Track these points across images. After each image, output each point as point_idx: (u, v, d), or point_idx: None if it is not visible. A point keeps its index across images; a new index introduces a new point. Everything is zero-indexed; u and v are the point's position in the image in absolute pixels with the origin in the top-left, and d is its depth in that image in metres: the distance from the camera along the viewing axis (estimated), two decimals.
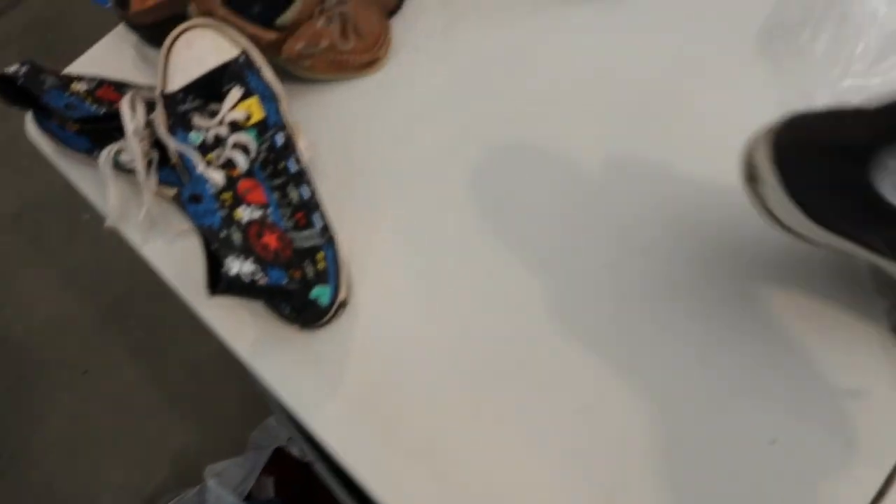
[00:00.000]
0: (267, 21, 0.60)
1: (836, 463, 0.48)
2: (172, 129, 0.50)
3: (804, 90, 0.59)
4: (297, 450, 1.12)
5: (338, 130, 0.64)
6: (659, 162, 0.59)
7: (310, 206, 0.51)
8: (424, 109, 0.65)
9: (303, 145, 0.55)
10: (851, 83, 0.58)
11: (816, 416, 0.49)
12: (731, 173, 0.50)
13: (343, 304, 0.53)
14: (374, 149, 0.63)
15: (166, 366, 1.37)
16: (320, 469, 0.85)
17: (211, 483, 0.97)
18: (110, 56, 0.70)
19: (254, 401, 1.08)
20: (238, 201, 0.45)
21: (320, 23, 0.60)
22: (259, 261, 0.42)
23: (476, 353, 0.53)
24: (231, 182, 0.46)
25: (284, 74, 0.61)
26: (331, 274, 0.50)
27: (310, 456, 0.84)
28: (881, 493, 0.46)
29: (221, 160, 0.48)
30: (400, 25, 0.70)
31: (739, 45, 0.64)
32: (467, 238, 0.58)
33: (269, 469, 1.11)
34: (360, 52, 0.64)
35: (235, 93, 0.52)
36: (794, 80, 0.60)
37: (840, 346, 0.50)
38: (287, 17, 0.60)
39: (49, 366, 1.40)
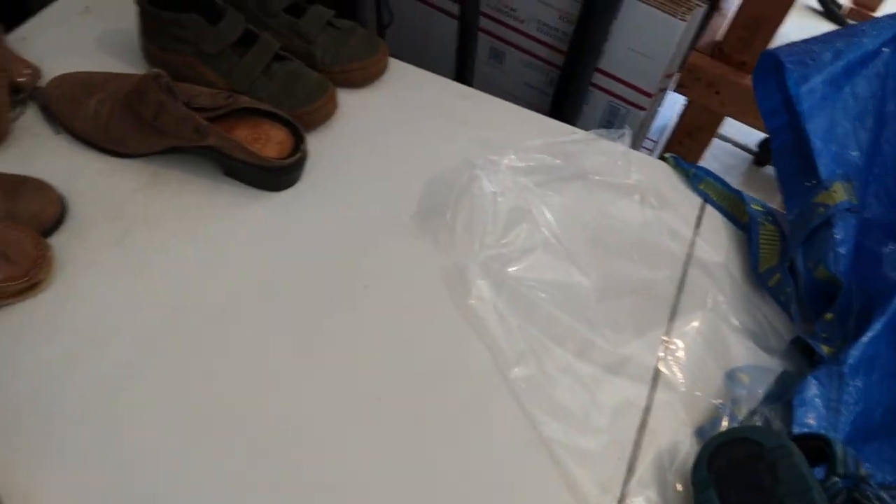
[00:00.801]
0: None
1: None
2: None
3: (457, 261, 0.69)
4: None
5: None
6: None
7: None
8: (97, 331, 0.60)
9: None
10: (488, 253, 0.69)
11: None
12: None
13: None
14: (37, 385, 0.57)
15: None
16: None
17: None
18: None
19: None
20: None
21: None
22: None
23: None
24: None
25: None
26: None
27: None
28: None
29: None
30: (64, 242, 0.65)
31: (403, 226, 0.72)
32: (156, 467, 0.55)
33: None
34: (14, 280, 0.57)
35: None
36: (449, 251, 0.70)
37: None
38: None
39: None
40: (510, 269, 0.69)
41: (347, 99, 0.83)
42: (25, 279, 0.59)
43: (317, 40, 0.81)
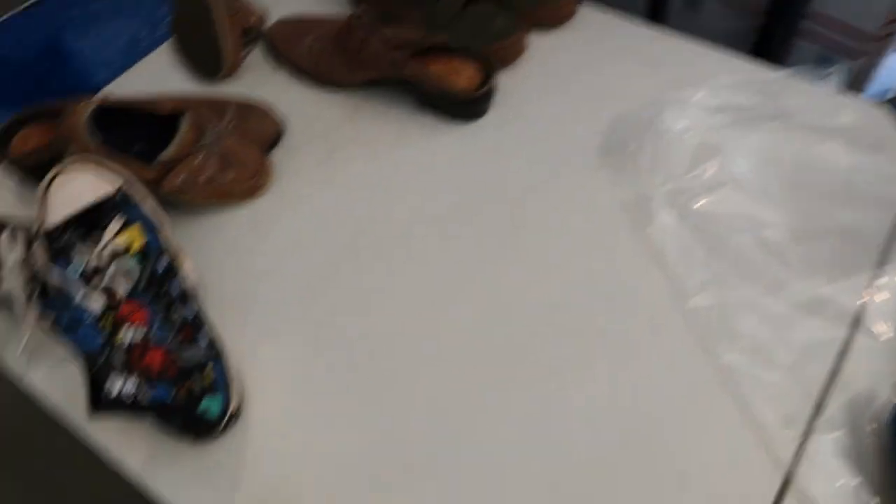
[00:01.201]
0: (147, 158, 0.62)
1: None
2: (53, 261, 0.49)
3: (638, 192, 0.68)
4: None
5: (225, 252, 0.65)
6: (520, 270, 0.65)
7: (195, 324, 0.52)
8: (305, 232, 0.67)
9: (188, 267, 0.55)
10: (673, 186, 0.67)
11: None
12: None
13: (235, 416, 0.52)
14: (261, 269, 0.64)
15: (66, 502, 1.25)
16: None
17: None
18: None
19: None
20: (119, 323, 0.45)
21: (199, 159, 0.62)
22: (141, 380, 0.41)
23: (370, 454, 0.54)
24: (112, 306, 0.46)
25: (168, 203, 0.62)
26: (220, 385, 0.49)
27: None
28: None
29: (103, 285, 0.48)
30: (282, 155, 0.74)
31: (584, 159, 0.73)
32: (354, 349, 0.60)
33: None
34: (241, 181, 0.66)
35: (116, 223, 0.53)
36: (630, 185, 0.69)
37: None
38: (166, 154, 0.62)
39: None
40: (696, 203, 0.67)
41: (537, 40, 0.84)
42: (251, 181, 0.67)
43: None
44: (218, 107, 0.71)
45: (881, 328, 0.59)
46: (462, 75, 0.77)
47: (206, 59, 0.81)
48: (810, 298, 0.61)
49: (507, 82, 0.79)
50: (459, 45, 0.76)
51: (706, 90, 0.74)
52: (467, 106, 0.77)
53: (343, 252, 0.66)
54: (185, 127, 0.63)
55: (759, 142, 0.72)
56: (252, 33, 0.86)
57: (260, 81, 0.82)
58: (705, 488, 0.52)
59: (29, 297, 0.51)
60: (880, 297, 0.61)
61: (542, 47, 0.84)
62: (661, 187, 0.68)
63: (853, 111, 0.73)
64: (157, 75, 0.84)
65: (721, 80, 0.75)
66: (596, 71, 0.82)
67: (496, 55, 0.80)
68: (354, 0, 0.89)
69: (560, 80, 0.81)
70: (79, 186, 0.55)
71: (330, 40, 0.80)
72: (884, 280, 0.62)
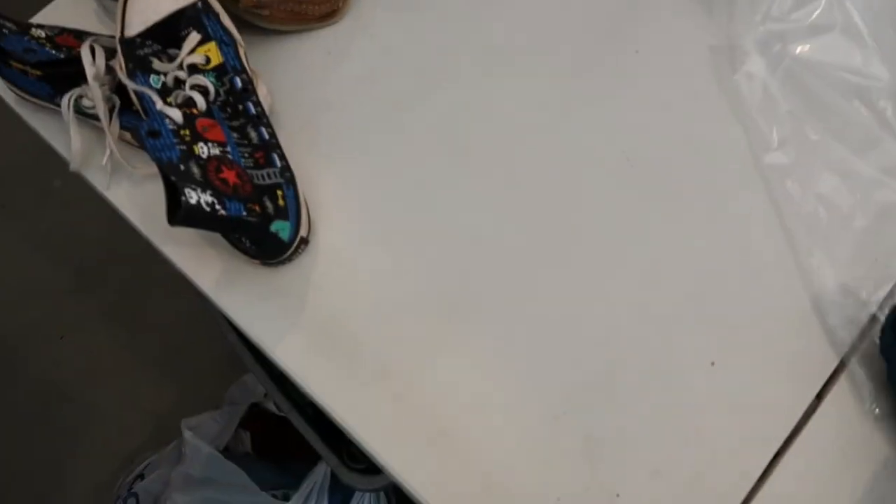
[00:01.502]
0: None
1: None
2: (132, 73, 0.50)
3: (732, 32, 0.63)
4: (272, 405, 1.13)
5: (297, 79, 0.64)
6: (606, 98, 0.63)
7: (269, 147, 0.52)
8: (382, 61, 0.66)
9: (262, 91, 0.56)
10: (770, 27, 0.61)
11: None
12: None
13: (304, 242, 0.54)
14: (333, 98, 0.64)
15: (141, 328, 1.37)
16: (296, 420, 0.86)
17: (187, 435, 0.98)
18: (70, 9, 0.70)
19: (230, 359, 1.09)
20: (197, 137, 0.46)
21: None
22: (218, 194, 0.42)
23: (432, 284, 0.55)
24: (189, 119, 0.47)
25: (243, 24, 0.61)
26: (291, 211, 0.51)
27: (284, 409, 0.86)
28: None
29: (180, 99, 0.49)
30: None
31: None
32: (425, 178, 0.60)
33: (245, 424, 1.11)
34: (320, 3, 0.64)
35: (194, 37, 0.53)
36: (724, 24, 0.64)
37: None
38: None
39: (23, 330, 1.40)
40: (794, 49, 0.61)
41: None
42: (328, 3, 0.65)
43: None
44: None
45: None
46: None
47: None
48: None
49: None
50: None
51: None
52: None
53: (420, 87, 0.64)
54: None
55: None
56: None
57: None
58: (762, 342, 0.53)
59: (111, 112, 0.53)
60: None
61: None
62: (756, 28, 0.62)
63: None
64: None
65: None
66: None
67: None
68: None
69: None
70: None
71: None
72: None
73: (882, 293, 0.53)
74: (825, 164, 0.58)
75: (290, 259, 0.54)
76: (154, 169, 0.48)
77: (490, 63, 0.65)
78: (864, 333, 0.52)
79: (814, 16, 0.62)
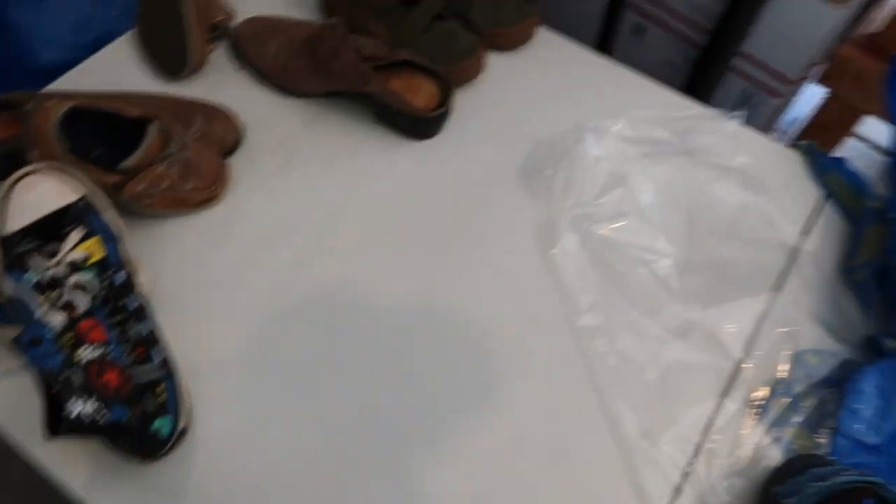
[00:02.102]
0: (110, 159, 0.64)
1: None
2: (8, 270, 0.50)
3: (551, 214, 0.76)
4: None
5: (178, 262, 0.69)
6: (452, 273, 0.72)
7: (149, 342, 0.54)
8: (259, 241, 0.72)
9: (143, 279, 0.59)
10: (580, 210, 0.75)
11: None
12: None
13: (183, 433, 0.55)
14: (213, 279, 0.68)
15: None
16: None
17: None
18: None
19: None
20: (79, 342, 0.47)
21: (162, 167, 0.66)
22: (100, 399, 0.44)
23: (316, 472, 0.58)
24: (71, 323, 0.48)
25: (125, 209, 0.65)
26: (171, 405, 0.52)
27: None
28: None
29: (61, 302, 0.50)
30: (239, 163, 0.77)
31: (515, 181, 0.79)
32: (303, 362, 0.64)
33: None
34: (200, 191, 0.70)
35: (76, 234, 0.54)
36: (544, 206, 0.76)
37: None
38: (130, 161, 0.64)
39: None
40: (598, 228, 0.74)
41: (494, 61, 0.89)
42: (209, 190, 0.71)
43: (475, 2, 0.87)
44: (185, 112, 0.73)
45: (739, 354, 0.68)
46: (421, 93, 0.80)
47: (171, 54, 0.82)
48: (684, 323, 0.70)
49: (462, 100, 0.83)
50: (423, 59, 0.79)
51: (625, 121, 0.81)
52: (424, 125, 0.80)
53: (294, 262, 0.70)
54: (151, 136, 0.65)
55: (665, 176, 0.79)
56: (219, 30, 0.86)
57: (222, 81, 0.83)
58: (570, 480, 0.61)
59: None
60: (745, 327, 0.70)
61: (497, 68, 0.88)
62: (569, 211, 0.75)
63: (750, 152, 0.81)
64: (117, 68, 0.84)
65: (640, 113, 0.82)
66: (541, 94, 0.87)
67: (455, 74, 0.84)
68: (324, 8, 0.91)
69: (508, 102, 0.86)
70: (40, 193, 0.55)
71: (298, 47, 0.80)
72: (749, 312, 0.71)
73: (670, 434, 0.64)
74: (624, 325, 0.70)
75: (168, 453, 0.54)
76: (15, 364, 0.48)
77: (360, 242, 0.73)
78: (662, 472, 0.62)
79: (614, 202, 0.76)
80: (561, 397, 0.66)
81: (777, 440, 0.64)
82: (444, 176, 0.79)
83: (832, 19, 0.98)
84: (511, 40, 0.91)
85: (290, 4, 0.93)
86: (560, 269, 0.72)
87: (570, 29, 0.97)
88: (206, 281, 0.68)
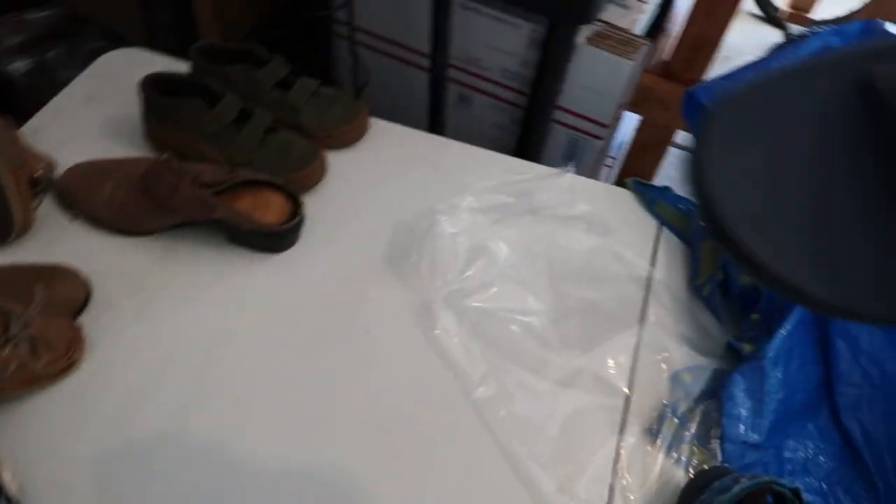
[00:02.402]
0: None
1: None
2: None
3: (423, 297, 0.77)
4: None
5: (43, 442, 0.64)
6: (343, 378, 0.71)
7: None
8: (130, 399, 0.68)
9: (7, 477, 0.55)
10: (450, 288, 0.77)
11: None
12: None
13: None
14: (80, 452, 0.64)
15: None
16: None
17: None
18: None
19: None
20: None
21: (6, 351, 0.61)
22: None
23: None
24: None
25: None
26: None
27: None
28: None
29: None
30: (93, 320, 0.72)
31: (381, 270, 0.81)
32: None
33: None
34: (55, 363, 0.65)
35: None
36: (415, 289, 0.78)
37: None
38: None
39: None
40: (471, 301, 0.77)
41: (334, 159, 0.90)
42: (65, 360, 0.66)
43: (303, 109, 0.89)
44: (21, 284, 0.68)
45: (624, 388, 0.73)
46: (271, 208, 0.80)
47: None
48: (568, 372, 0.73)
49: (311, 205, 0.83)
50: (264, 176, 0.79)
51: (472, 195, 0.85)
52: (278, 239, 0.80)
53: (171, 415, 0.67)
54: None
55: (517, 237, 0.84)
56: (41, 184, 0.81)
57: (55, 236, 0.79)
58: None
59: None
60: (621, 361, 0.75)
61: (339, 166, 0.90)
62: (439, 291, 0.77)
63: (587, 198, 0.88)
64: None
65: (482, 184, 0.87)
66: (388, 183, 0.90)
67: (300, 181, 0.84)
68: (153, 140, 0.89)
69: (357, 197, 0.88)
70: None
71: (133, 186, 0.78)
72: (621, 346, 0.76)
73: (584, 481, 0.67)
74: (516, 387, 0.72)
75: None
76: None
77: (239, 369, 0.71)
78: None
79: (479, 273, 0.79)
80: (476, 471, 0.67)
81: (678, 460, 0.68)
82: (311, 281, 0.79)
83: (627, 68, 1.10)
84: (346, 139, 0.93)
85: (113, 145, 0.89)
86: (445, 347, 0.74)
87: (403, 110, 1.02)
88: (73, 455, 0.64)
